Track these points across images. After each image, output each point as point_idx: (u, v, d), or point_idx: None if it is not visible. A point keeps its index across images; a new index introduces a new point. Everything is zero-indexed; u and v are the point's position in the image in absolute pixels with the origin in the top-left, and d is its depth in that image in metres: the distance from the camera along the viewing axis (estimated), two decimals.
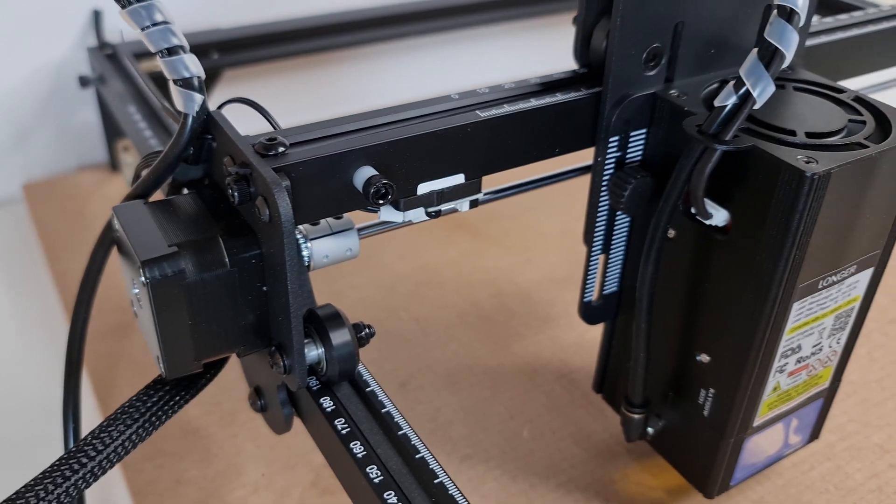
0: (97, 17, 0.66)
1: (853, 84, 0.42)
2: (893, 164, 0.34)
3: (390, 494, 0.30)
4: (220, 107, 0.35)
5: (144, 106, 0.57)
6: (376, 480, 0.30)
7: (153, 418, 0.34)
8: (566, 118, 0.36)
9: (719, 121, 0.32)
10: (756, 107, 0.32)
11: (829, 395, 0.42)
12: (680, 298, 0.38)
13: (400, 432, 0.32)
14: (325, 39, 0.72)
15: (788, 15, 0.31)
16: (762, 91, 0.32)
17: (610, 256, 0.41)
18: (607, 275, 0.41)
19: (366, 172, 0.32)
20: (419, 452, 0.31)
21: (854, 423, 0.49)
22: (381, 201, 0.31)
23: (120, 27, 0.68)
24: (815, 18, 0.48)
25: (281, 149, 0.31)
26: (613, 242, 0.40)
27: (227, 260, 0.31)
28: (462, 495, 0.30)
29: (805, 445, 0.44)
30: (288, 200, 0.29)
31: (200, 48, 0.67)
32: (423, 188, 0.34)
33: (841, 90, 0.38)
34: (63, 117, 0.69)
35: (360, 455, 0.31)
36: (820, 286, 0.35)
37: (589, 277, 0.41)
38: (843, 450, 0.47)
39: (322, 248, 0.35)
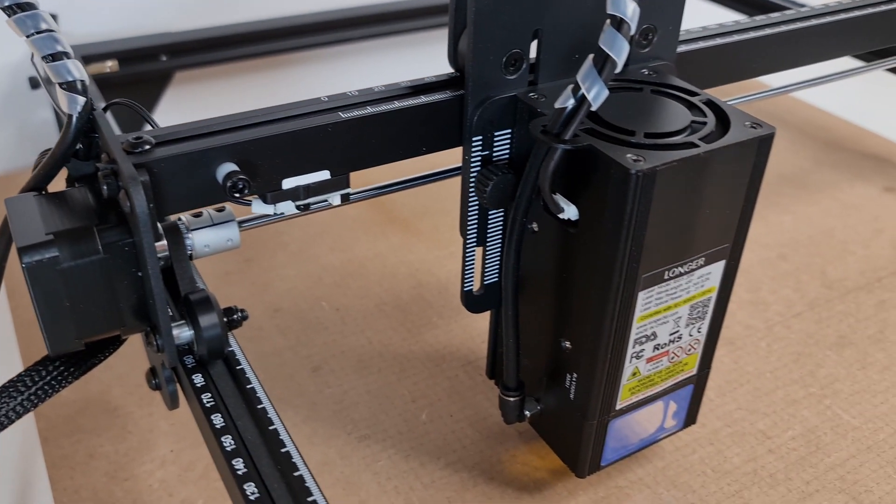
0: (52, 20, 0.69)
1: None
2: (727, 162, 0.36)
3: (238, 461, 0.33)
4: (105, 108, 0.38)
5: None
6: (229, 448, 0.33)
7: (40, 392, 0.36)
8: (431, 119, 0.39)
9: (560, 122, 0.35)
10: (592, 108, 0.34)
11: (699, 381, 0.45)
12: (546, 288, 0.41)
13: (259, 406, 0.35)
14: (273, 43, 0.75)
15: (619, 25, 0.33)
16: (596, 95, 0.34)
17: (488, 248, 0.43)
18: (487, 265, 0.44)
19: (226, 168, 0.34)
20: (273, 424, 0.34)
21: (742, 410, 0.51)
22: (237, 195, 0.34)
23: (70, 30, 0.71)
24: (740, 17, 0.50)
25: (146, 146, 0.34)
26: (490, 235, 0.43)
27: (101, 247, 0.34)
28: (304, 464, 0.33)
29: (682, 429, 0.47)
30: (143, 194, 0.31)
31: (150, 51, 0.70)
32: (288, 183, 0.37)
33: (695, 93, 0.40)
34: (22, 116, 0.73)
35: (219, 426, 0.34)
36: (666, 277, 0.38)
37: (467, 268, 0.43)
38: (726, 435, 0.49)
39: (203, 238, 0.38)
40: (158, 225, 0.38)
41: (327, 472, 0.46)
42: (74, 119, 0.36)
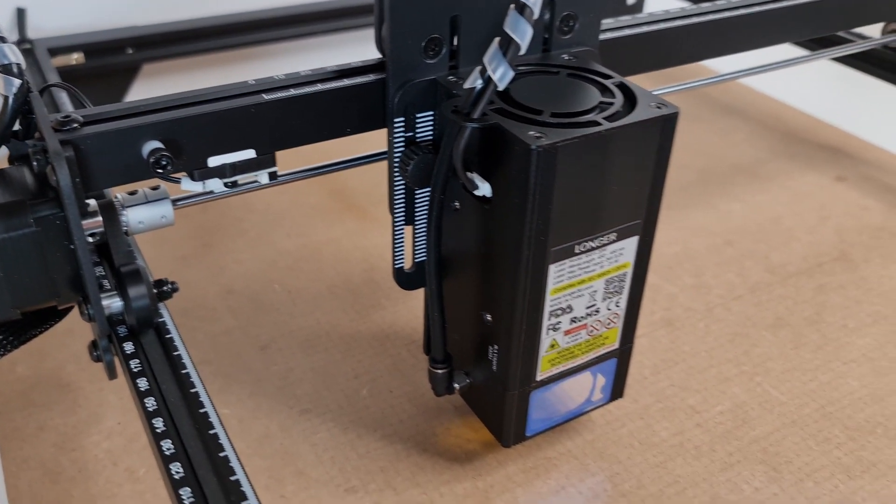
0: (20, 14, 0.71)
1: None
2: (630, 140, 0.38)
3: (158, 420, 0.35)
4: (41, 91, 0.40)
5: (46, 97, 0.62)
6: (150, 409, 0.35)
7: None
8: (354, 101, 0.41)
9: (469, 102, 0.37)
10: (499, 88, 0.36)
11: (622, 355, 0.46)
12: (470, 263, 0.43)
13: (184, 371, 0.37)
14: (238, 37, 0.77)
15: (521, 9, 0.35)
16: (502, 75, 0.36)
17: (417, 227, 0.45)
18: (417, 244, 0.46)
19: (151, 146, 0.36)
20: (194, 387, 0.36)
21: (674, 387, 0.53)
22: (159, 170, 0.36)
23: (39, 24, 0.73)
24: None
25: (74, 125, 0.36)
26: (417, 214, 0.45)
27: (32, 221, 0.36)
28: (220, 423, 0.35)
29: (608, 402, 0.48)
30: (66, 168, 0.33)
31: (116, 44, 0.72)
32: (214, 161, 0.38)
33: (608, 76, 0.42)
34: None
35: (143, 389, 0.36)
36: (577, 251, 0.40)
37: (397, 246, 0.45)
38: (656, 410, 0.51)
39: (137, 215, 0.40)
40: (94, 202, 0.40)
41: (268, 443, 0.48)
42: (10, 100, 0.38)
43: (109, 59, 0.72)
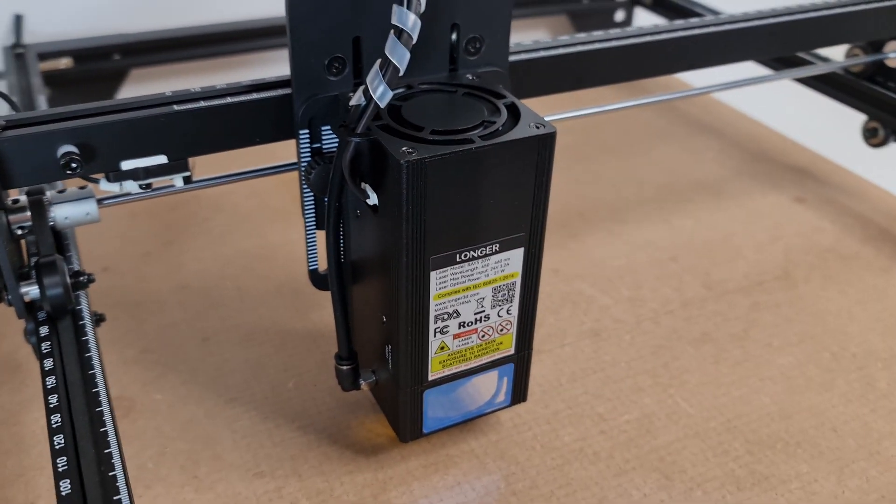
0: (18, 20, 0.76)
1: None
2: (504, 157, 0.40)
3: (54, 397, 0.38)
4: None
5: (27, 97, 0.67)
6: (49, 386, 0.39)
7: None
8: (263, 113, 0.44)
9: (355, 118, 0.40)
10: (381, 106, 0.39)
11: (519, 360, 0.49)
12: (371, 267, 0.46)
13: (87, 354, 0.41)
14: (224, 46, 0.81)
15: (399, 34, 0.38)
16: (381, 94, 0.39)
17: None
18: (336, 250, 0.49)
19: (64, 149, 0.40)
20: (92, 369, 0.40)
21: (587, 395, 0.55)
22: (69, 171, 0.40)
23: (35, 29, 0.79)
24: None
25: None
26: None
27: None
28: (108, 400, 0.38)
29: (510, 405, 0.51)
30: None
31: (103, 50, 0.77)
32: (126, 164, 0.42)
33: (501, 96, 0.44)
34: None
35: (48, 368, 0.40)
36: (458, 259, 0.42)
37: (309, 249, 0.48)
38: (565, 416, 0.53)
39: (63, 211, 0.44)
40: (24, 198, 0.44)
41: (192, 428, 0.52)
42: None
43: (97, 65, 0.77)
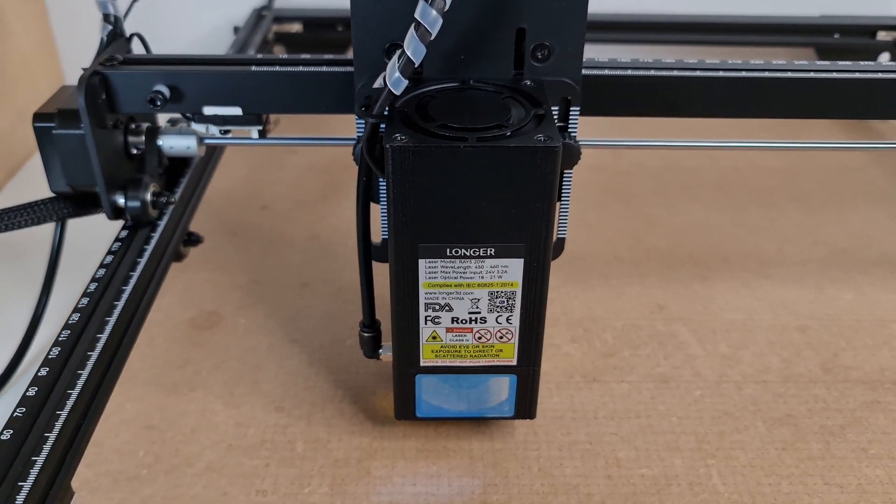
0: None
1: None
2: (497, 162, 0.40)
3: (94, 284, 0.46)
4: (129, 37, 0.54)
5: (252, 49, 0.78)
6: (97, 275, 0.47)
7: (41, 215, 0.53)
8: (329, 86, 0.48)
9: (376, 102, 0.42)
10: (395, 93, 0.41)
11: (524, 375, 0.48)
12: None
13: (138, 259, 0.48)
14: None
15: (417, 27, 0.40)
16: (395, 82, 0.41)
17: (383, 207, 0.51)
18: (384, 223, 0.52)
19: (157, 87, 0.48)
20: (134, 270, 0.47)
21: (615, 436, 0.52)
22: (151, 105, 0.48)
23: None
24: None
25: (114, 62, 0.49)
26: (383, 195, 0.51)
27: (81, 125, 0.50)
28: (135, 305, 0.45)
29: (513, 418, 0.50)
30: (83, 93, 0.46)
31: (329, 21, 0.86)
32: (208, 110, 0.49)
33: (539, 105, 0.44)
34: None
35: (105, 262, 0.48)
36: (449, 253, 0.43)
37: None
38: (580, 450, 0.51)
39: (168, 141, 0.53)
40: (146, 125, 0.53)
41: (251, 354, 0.58)
42: (104, 40, 0.52)
43: (324, 33, 0.86)
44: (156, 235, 0.51)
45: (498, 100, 0.45)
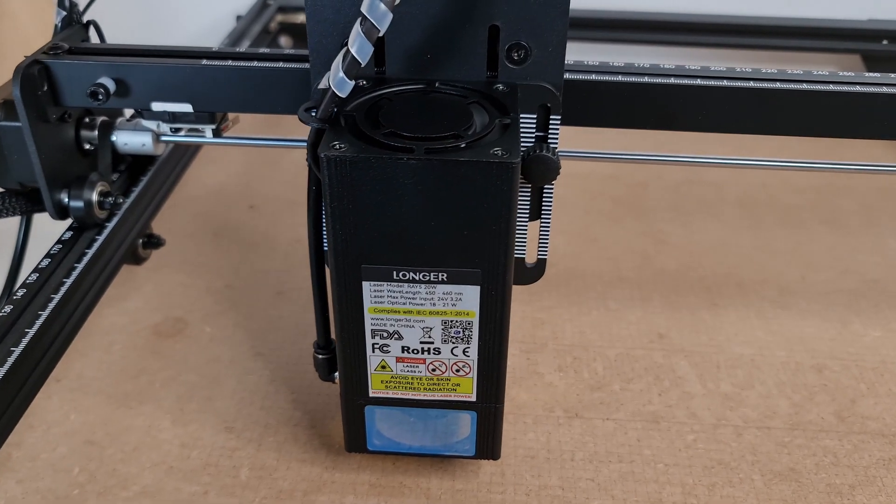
0: None
1: None
2: (445, 178, 0.35)
3: (21, 291, 0.43)
4: (86, 24, 0.50)
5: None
6: (29, 281, 0.44)
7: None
8: (284, 84, 0.44)
9: (320, 104, 0.38)
10: (340, 95, 0.37)
11: (484, 412, 0.43)
12: None
13: (76, 264, 0.45)
14: None
15: (362, 23, 0.35)
16: (338, 85, 0.37)
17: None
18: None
19: (101, 80, 0.44)
20: (68, 277, 0.44)
21: (592, 483, 0.47)
22: (93, 100, 0.44)
23: None
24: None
25: (58, 51, 0.45)
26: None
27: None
28: (68, 314, 0.42)
29: (475, 457, 0.45)
30: (18, 90, 0.43)
31: None
32: (156, 106, 0.45)
33: (506, 114, 0.39)
34: None
35: (42, 266, 0.45)
36: (396, 277, 0.38)
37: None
38: (549, 496, 0.46)
39: (122, 138, 0.49)
40: (101, 119, 0.49)
41: (210, 367, 0.54)
42: (58, 27, 0.49)
43: None
44: (100, 239, 0.48)
45: (461, 106, 0.40)
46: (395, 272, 0.38)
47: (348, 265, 0.38)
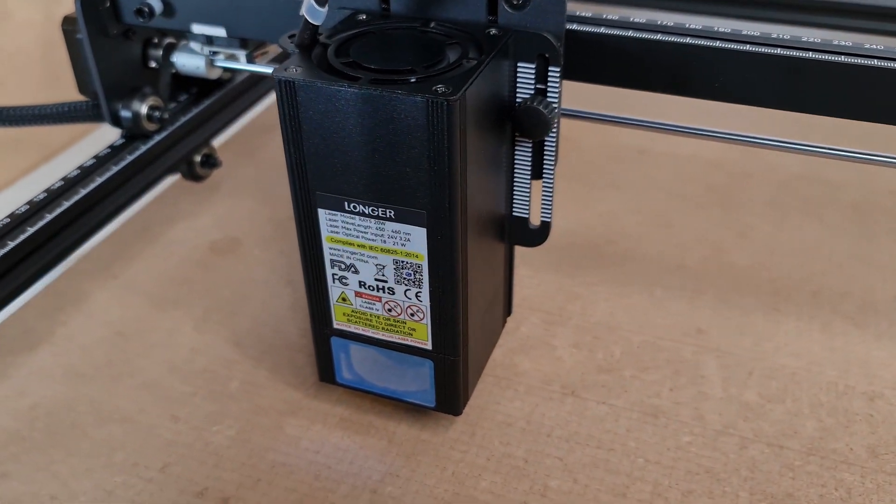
0: None
1: None
2: (384, 111, 0.35)
3: (57, 183, 0.48)
4: None
5: None
6: (57, 184, 0.49)
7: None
8: None
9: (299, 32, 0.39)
10: (312, 23, 0.38)
11: (440, 362, 0.42)
12: None
13: (111, 169, 0.49)
14: None
15: None
16: (310, 12, 0.37)
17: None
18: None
19: (149, 1, 0.48)
20: (104, 176, 0.48)
21: (560, 463, 0.44)
22: (139, 17, 0.47)
23: None
24: None
25: None
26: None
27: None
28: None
29: (436, 409, 0.44)
30: (79, 3, 0.47)
31: None
32: (196, 28, 0.48)
33: (477, 56, 0.37)
34: None
35: (74, 174, 0.50)
36: (347, 208, 0.39)
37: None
38: (510, 466, 0.44)
39: (179, 59, 0.53)
40: (168, 40, 0.53)
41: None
42: None
43: None
44: (143, 148, 0.52)
45: (438, 45, 0.39)
46: (346, 202, 0.38)
47: (304, 190, 0.39)
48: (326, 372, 0.46)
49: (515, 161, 0.43)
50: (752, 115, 0.45)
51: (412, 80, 0.36)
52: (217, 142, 0.71)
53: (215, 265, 0.60)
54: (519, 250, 0.48)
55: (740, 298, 0.55)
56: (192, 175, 0.57)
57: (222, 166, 0.63)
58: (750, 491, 0.42)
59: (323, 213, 0.39)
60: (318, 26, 0.38)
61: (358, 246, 0.40)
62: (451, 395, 0.44)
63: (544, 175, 0.44)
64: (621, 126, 0.47)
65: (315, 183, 0.38)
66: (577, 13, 0.42)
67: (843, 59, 0.38)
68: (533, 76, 0.41)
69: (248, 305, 0.56)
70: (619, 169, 0.70)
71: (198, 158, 0.57)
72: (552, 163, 0.43)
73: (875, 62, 0.37)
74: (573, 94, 0.47)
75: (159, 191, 0.67)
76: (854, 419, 0.46)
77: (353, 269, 0.41)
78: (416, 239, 0.38)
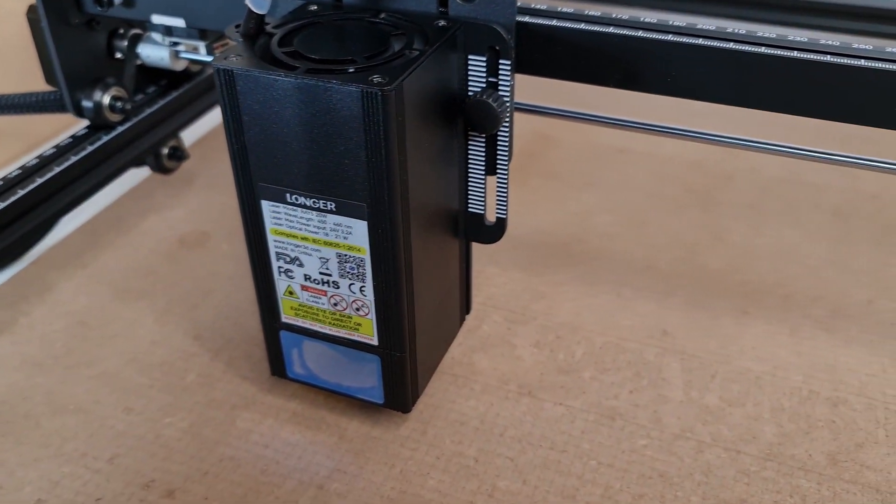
0: None
1: None
2: (319, 102, 0.34)
3: (32, 162, 0.48)
4: None
5: None
6: (30, 163, 0.48)
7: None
8: None
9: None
10: (256, 12, 0.37)
11: (387, 358, 0.41)
12: None
13: (75, 156, 0.49)
14: None
15: None
16: (254, 2, 0.37)
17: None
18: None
19: None
20: (67, 161, 0.48)
21: (511, 464, 0.43)
22: (98, 6, 0.47)
23: None
24: None
25: None
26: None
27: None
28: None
29: (385, 406, 0.44)
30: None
31: None
32: (155, 18, 0.48)
33: (420, 46, 0.37)
34: None
35: (47, 154, 0.49)
36: (289, 200, 0.38)
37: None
38: (459, 466, 0.43)
39: (144, 50, 0.53)
40: (134, 31, 0.53)
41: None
42: None
43: None
44: (105, 138, 0.51)
45: (383, 36, 0.38)
46: (287, 194, 0.38)
47: (247, 181, 0.39)
48: (277, 366, 0.46)
49: (469, 156, 0.43)
50: (735, 116, 0.44)
51: (350, 71, 0.35)
52: (194, 136, 0.71)
53: (182, 258, 0.59)
54: (487, 248, 0.48)
55: (710, 301, 0.54)
56: (160, 167, 0.57)
57: (199, 160, 0.63)
58: (702, 496, 0.42)
59: (266, 205, 0.39)
60: (263, 16, 0.38)
61: (301, 238, 0.39)
62: (399, 392, 0.43)
63: (498, 170, 0.43)
64: (602, 125, 0.47)
65: (257, 174, 0.38)
66: (531, 5, 0.41)
67: (797, 54, 0.37)
68: (484, 69, 0.40)
69: (210, 299, 0.55)
70: (597, 168, 0.69)
71: (165, 151, 0.57)
72: (506, 158, 0.42)
73: (830, 58, 0.36)
74: (554, 92, 0.47)
75: (134, 182, 0.66)
76: (816, 425, 0.45)
77: (297, 262, 0.40)
78: (358, 232, 0.38)
